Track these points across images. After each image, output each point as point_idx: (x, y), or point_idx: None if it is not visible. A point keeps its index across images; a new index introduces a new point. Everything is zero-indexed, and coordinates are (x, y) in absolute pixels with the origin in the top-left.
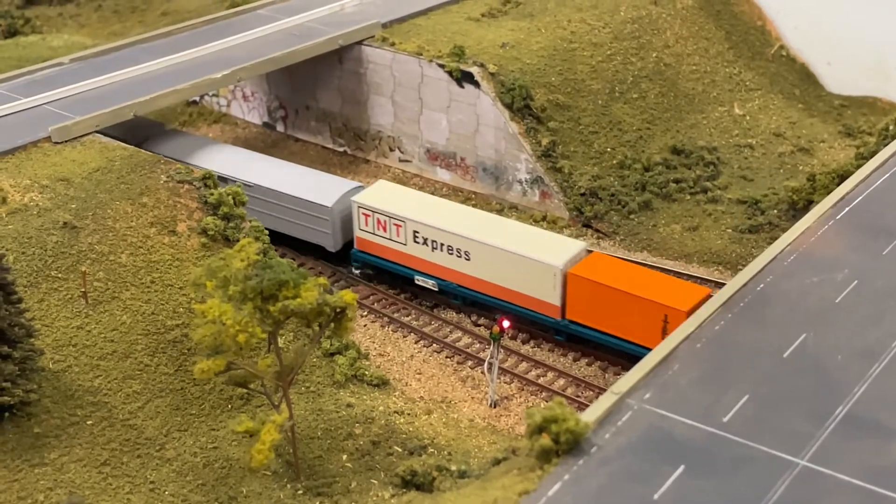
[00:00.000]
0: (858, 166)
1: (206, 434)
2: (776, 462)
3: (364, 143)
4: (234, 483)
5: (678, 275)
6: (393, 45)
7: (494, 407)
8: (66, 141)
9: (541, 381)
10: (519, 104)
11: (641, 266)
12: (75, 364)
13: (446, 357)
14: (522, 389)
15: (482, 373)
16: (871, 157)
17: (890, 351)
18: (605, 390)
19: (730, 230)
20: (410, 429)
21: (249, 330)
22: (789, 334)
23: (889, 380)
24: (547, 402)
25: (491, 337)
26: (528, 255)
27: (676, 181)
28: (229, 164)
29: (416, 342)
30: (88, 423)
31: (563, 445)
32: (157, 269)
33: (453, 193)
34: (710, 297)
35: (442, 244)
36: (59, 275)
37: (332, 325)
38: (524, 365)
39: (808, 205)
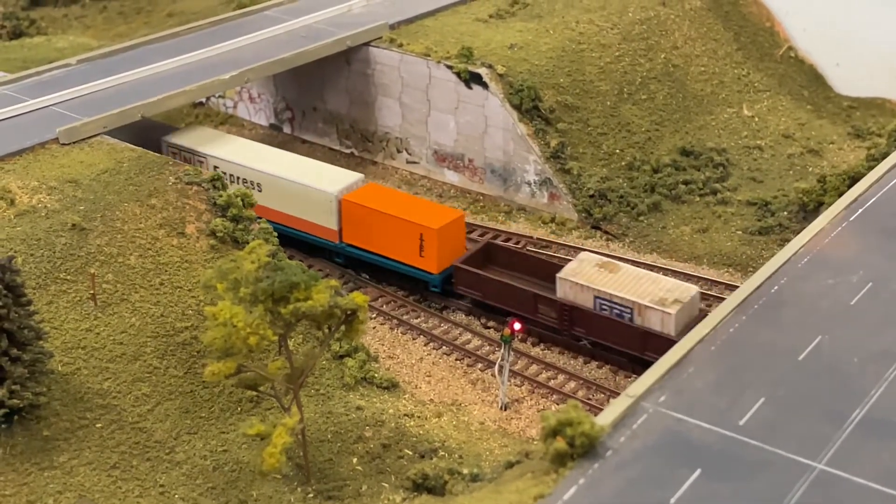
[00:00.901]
0: (870, 168)
1: (216, 437)
2: (793, 466)
3: (371, 145)
4: (245, 486)
5: (688, 277)
6: (401, 46)
7: (505, 410)
8: (73, 142)
9: (551, 383)
10: (527, 105)
11: (411, 196)
12: (84, 367)
13: (456, 359)
14: (533, 392)
15: (492, 375)
16: (883, 158)
17: None
18: (616, 393)
19: (740, 232)
20: (421, 432)
21: (260, 332)
22: (805, 336)
23: None
24: (558, 404)
25: (502, 339)
26: (309, 184)
27: (686, 183)
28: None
29: (425, 344)
30: (98, 426)
31: (579, 449)
32: (166, 270)
33: (461, 195)
34: (462, 217)
35: (238, 178)
36: (68, 277)
37: (343, 327)
38: (534, 367)
39: (819, 206)
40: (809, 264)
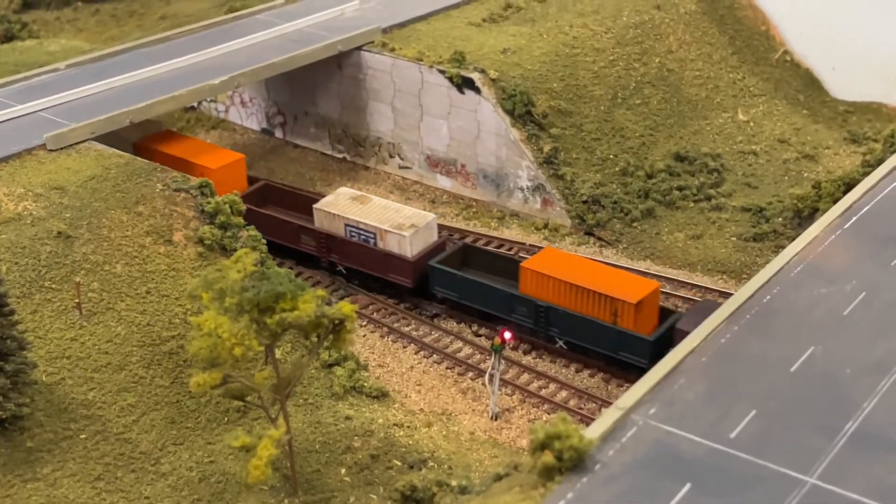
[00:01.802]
0: (865, 174)
1: (202, 448)
2: (785, 480)
3: (363, 150)
4: (231, 498)
5: (682, 284)
6: (393, 50)
7: (496, 419)
8: (61, 148)
9: (542, 392)
10: (520, 110)
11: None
12: (69, 377)
13: (446, 368)
14: (524, 401)
15: (483, 384)
16: (878, 164)
17: None
18: (607, 402)
19: (734, 238)
20: (410, 442)
21: (246, 343)
22: (797, 347)
23: None
24: (549, 414)
25: (492, 348)
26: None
27: (680, 188)
28: None
29: (415, 353)
30: (82, 436)
31: (567, 463)
32: (153, 279)
33: (454, 201)
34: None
35: None
36: (53, 285)
37: (331, 336)
38: (526, 376)
39: (814, 213)
40: (803, 273)
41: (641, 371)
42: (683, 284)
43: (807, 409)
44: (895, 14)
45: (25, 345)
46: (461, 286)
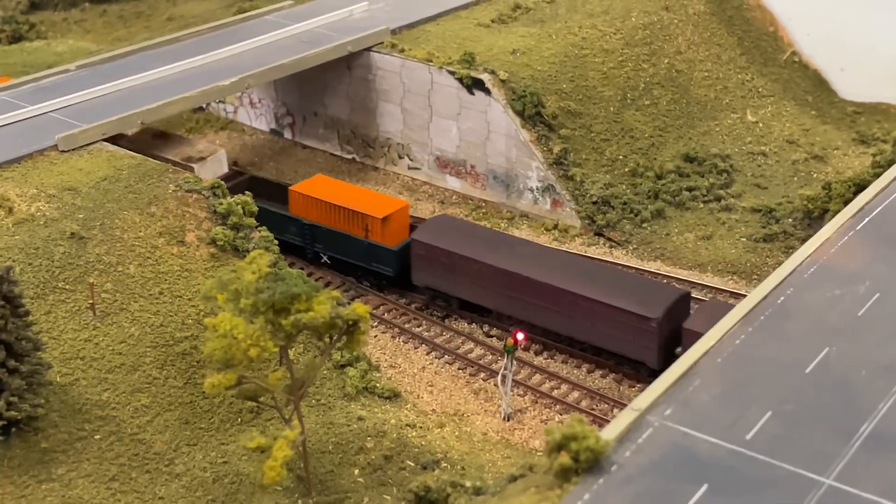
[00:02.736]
0: (875, 175)
1: (215, 448)
2: (801, 481)
3: (373, 151)
4: (245, 499)
5: (692, 285)
6: (402, 51)
7: (508, 420)
8: (72, 149)
9: (554, 393)
10: (530, 111)
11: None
12: (83, 377)
13: (458, 369)
14: (536, 402)
15: (495, 385)
16: (889, 165)
17: None
18: (619, 402)
19: (744, 239)
20: (423, 442)
21: (261, 344)
22: (811, 349)
23: None
24: (561, 415)
25: (505, 349)
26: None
27: (689, 189)
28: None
29: (427, 353)
30: (96, 437)
31: (583, 464)
32: (166, 279)
33: (463, 202)
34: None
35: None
36: (67, 286)
37: (344, 337)
38: (538, 377)
39: (824, 213)
40: (816, 274)
41: (654, 373)
42: (694, 285)
43: (822, 411)
44: None
45: (40, 345)
46: None
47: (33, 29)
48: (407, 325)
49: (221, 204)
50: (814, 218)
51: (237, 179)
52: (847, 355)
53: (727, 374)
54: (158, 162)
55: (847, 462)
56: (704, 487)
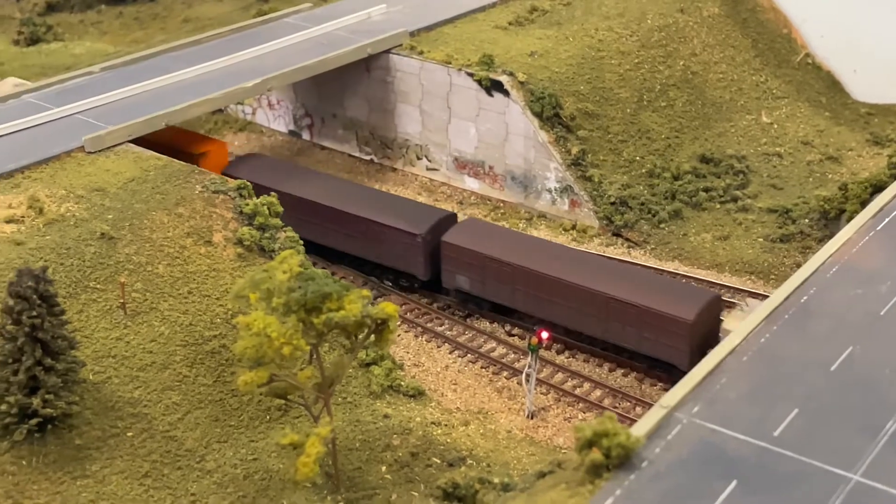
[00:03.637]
0: (892, 176)
1: (245, 445)
2: (829, 477)
3: (391, 152)
4: (275, 495)
5: (710, 285)
6: (421, 53)
7: (532, 418)
8: (99, 150)
9: (577, 391)
10: (548, 113)
11: None
12: (115, 375)
13: (481, 367)
14: (559, 400)
15: (518, 383)
16: None
17: None
18: (641, 400)
19: (761, 239)
20: (448, 440)
21: (294, 342)
22: (835, 347)
23: None
24: (584, 412)
25: (529, 348)
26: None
27: (706, 190)
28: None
29: (450, 352)
30: (129, 434)
31: (614, 460)
32: (194, 279)
33: (481, 202)
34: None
35: None
36: (98, 286)
37: (373, 336)
38: (560, 375)
39: (840, 214)
40: (838, 274)
41: (679, 371)
42: (713, 285)
43: (848, 408)
44: None
45: (75, 344)
46: None
47: (50, 31)
48: (429, 325)
49: (248, 205)
50: (830, 218)
51: None
52: (871, 353)
53: (753, 372)
54: (184, 163)
55: (874, 458)
56: (734, 483)
